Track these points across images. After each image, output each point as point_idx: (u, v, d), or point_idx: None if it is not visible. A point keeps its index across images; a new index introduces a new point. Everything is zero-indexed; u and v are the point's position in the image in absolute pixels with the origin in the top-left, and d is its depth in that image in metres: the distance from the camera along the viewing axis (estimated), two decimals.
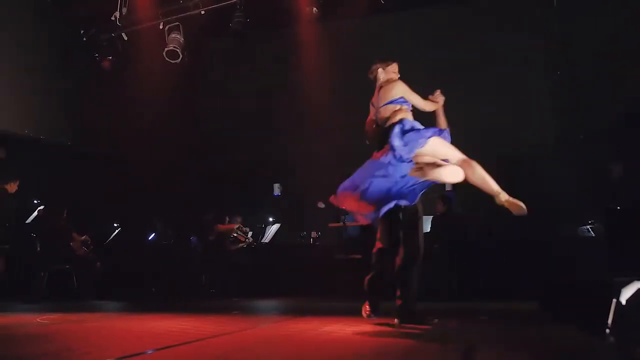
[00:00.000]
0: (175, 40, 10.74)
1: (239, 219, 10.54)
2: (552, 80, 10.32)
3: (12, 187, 9.54)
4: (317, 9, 10.30)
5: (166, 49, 10.76)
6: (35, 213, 10.32)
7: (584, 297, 5.05)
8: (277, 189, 11.56)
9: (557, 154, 9.80)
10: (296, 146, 11.15)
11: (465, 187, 10.04)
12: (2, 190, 9.45)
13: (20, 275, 9.84)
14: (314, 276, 9.79)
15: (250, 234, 10.79)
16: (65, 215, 10.04)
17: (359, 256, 10.02)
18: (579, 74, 9.85)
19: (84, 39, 11.53)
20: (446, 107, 6.06)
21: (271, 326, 5.47)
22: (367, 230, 10.25)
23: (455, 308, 7.44)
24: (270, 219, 11.13)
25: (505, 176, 9.88)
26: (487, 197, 9.75)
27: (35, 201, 10.59)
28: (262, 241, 10.80)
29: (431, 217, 9.48)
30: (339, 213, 10.12)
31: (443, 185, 10.14)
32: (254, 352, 3.94)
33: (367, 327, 5.12)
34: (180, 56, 10.79)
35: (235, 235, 10.35)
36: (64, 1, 11.49)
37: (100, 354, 3.62)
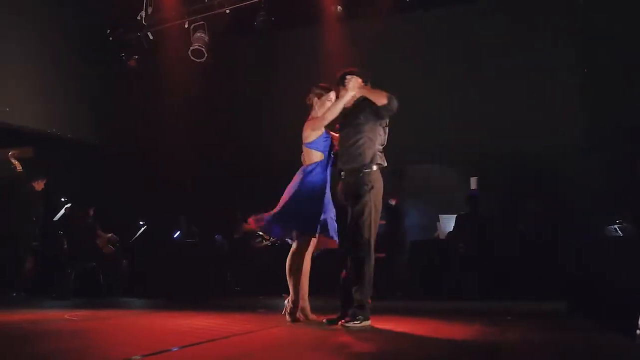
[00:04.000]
0: (200, 39, 10.78)
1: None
2: (580, 76, 10.20)
3: (39, 185, 9.66)
4: (341, 7, 10.28)
5: (191, 48, 10.80)
6: (63, 211, 10.42)
7: (614, 298, 5.00)
8: None
9: (585, 152, 9.69)
10: None
11: (490, 187, 10.00)
12: (29, 189, 9.56)
13: (49, 272, 9.93)
14: (338, 274, 9.75)
15: None
16: (91, 213, 10.13)
17: (382, 255, 9.99)
18: (608, 71, 9.72)
19: (111, 38, 11.61)
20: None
21: (296, 325, 5.47)
22: (391, 229, 10.24)
23: (479, 308, 7.39)
24: None
25: (532, 174, 9.89)
26: (513, 196, 9.69)
27: (62, 199, 10.69)
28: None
29: (455, 216, 9.42)
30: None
31: (468, 185, 10.15)
32: (280, 351, 3.94)
33: (392, 325, 5.10)
34: (205, 55, 10.83)
35: (261, 233, 10.37)
36: (90, 1, 11.60)
37: (126, 351, 3.64)
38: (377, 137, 5.14)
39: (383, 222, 10.40)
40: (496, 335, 4.58)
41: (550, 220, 9.19)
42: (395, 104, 5.03)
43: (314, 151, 5.40)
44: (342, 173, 5.20)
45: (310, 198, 5.27)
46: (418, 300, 8.41)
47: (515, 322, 5.60)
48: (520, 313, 6.47)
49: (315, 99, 5.61)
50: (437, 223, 9.85)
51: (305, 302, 5.48)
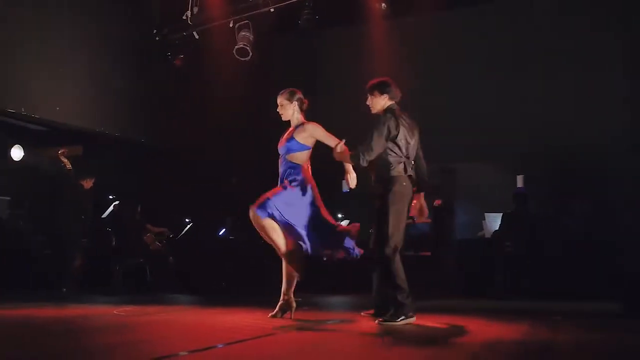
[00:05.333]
0: (245, 38, 10.84)
1: None
2: (627, 72, 9.98)
3: (88, 184, 9.83)
4: (386, 4, 10.22)
5: (236, 47, 10.86)
6: (111, 208, 10.59)
7: None
8: (345, 186, 11.53)
9: (633, 149, 9.48)
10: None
11: (537, 185, 9.85)
12: (79, 187, 9.74)
13: (98, 268, 10.11)
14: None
15: None
16: (139, 210, 10.29)
17: (428, 253, 9.93)
18: None
19: (157, 38, 11.76)
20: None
21: (342, 322, 5.48)
22: (437, 228, 10.17)
23: (527, 307, 7.29)
24: (339, 215, 11.12)
25: (580, 171, 9.71)
26: (560, 194, 9.52)
27: (110, 197, 10.88)
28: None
29: (501, 214, 9.30)
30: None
31: (515, 182, 10.02)
32: (327, 347, 3.95)
33: (438, 324, 5.07)
34: (250, 54, 10.89)
35: None
36: (137, 1, 11.78)
37: (172, 347, 3.69)
38: (394, 149, 5.38)
39: (428, 220, 10.35)
40: (546, 335, 4.51)
41: (599, 218, 9.02)
42: (362, 159, 5.28)
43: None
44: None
45: None
46: (464, 299, 8.34)
47: (566, 323, 5.51)
48: (570, 313, 6.36)
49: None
50: (483, 221, 9.75)
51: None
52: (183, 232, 11.11)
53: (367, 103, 5.69)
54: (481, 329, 4.86)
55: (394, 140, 5.35)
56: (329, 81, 11.64)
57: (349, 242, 5.39)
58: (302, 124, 5.62)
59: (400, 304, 5.09)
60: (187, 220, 11.34)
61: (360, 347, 3.95)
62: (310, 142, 5.58)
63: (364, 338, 4.38)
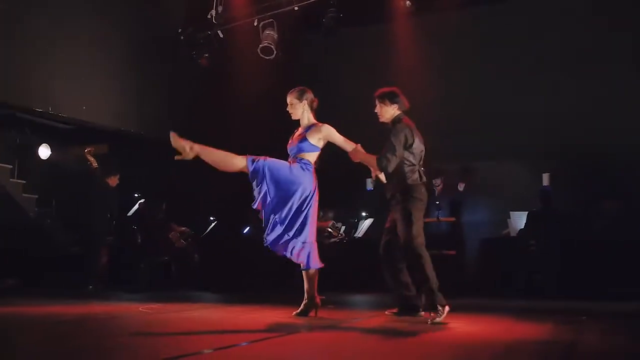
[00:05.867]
0: (270, 36, 10.86)
1: (330, 214, 10.57)
2: None
3: (113, 181, 9.92)
4: (410, 2, 10.18)
5: (260, 46, 10.89)
6: (137, 206, 10.67)
7: None
8: (369, 184, 11.52)
9: None
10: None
11: (563, 183, 9.76)
12: (105, 185, 9.83)
13: (123, 266, 10.21)
14: (408, 271, 9.69)
15: (343, 229, 10.82)
16: (164, 208, 10.35)
17: (453, 252, 9.88)
18: None
19: (182, 37, 11.82)
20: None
21: (367, 321, 5.48)
22: (461, 227, 10.13)
23: (552, 307, 7.22)
24: (363, 214, 11.11)
25: (606, 170, 9.61)
26: (586, 193, 9.42)
27: (136, 195, 10.96)
28: (355, 236, 10.79)
29: (526, 212, 9.22)
30: (433, 208, 10.02)
31: (540, 181, 9.93)
32: (351, 346, 3.95)
33: (462, 323, 5.05)
34: (275, 52, 10.91)
35: (330, 230, 10.40)
36: (162, 1, 11.85)
37: (197, 344, 3.71)
38: (410, 158, 5.51)
39: (452, 219, 10.32)
40: (571, 336, 4.47)
41: (628, 218, 8.92)
42: (388, 165, 5.41)
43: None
44: None
45: None
46: (488, 298, 8.28)
47: (592, 323, 5.45)
48: (596, 313, 6.29)
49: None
50: (508, 220, 9.69)
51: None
52: (207, 230, 11.16)
53: (376, 110, 5.76)
54: (505, 329, 4.83)
55: (409, 149, 5.48)
56: (353, 80, 11.60)
57: (309, 258, 5.41)
58: (315, 124, 5.60)
59: (433, 295, 5.22)
60: (211, 218, 11.38)
61: (384, 346, 3.95)
62: (321, 144, 5.58)
63: (388, 337, 4.37)
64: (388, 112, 5.68)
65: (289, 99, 5.77)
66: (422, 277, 5.32)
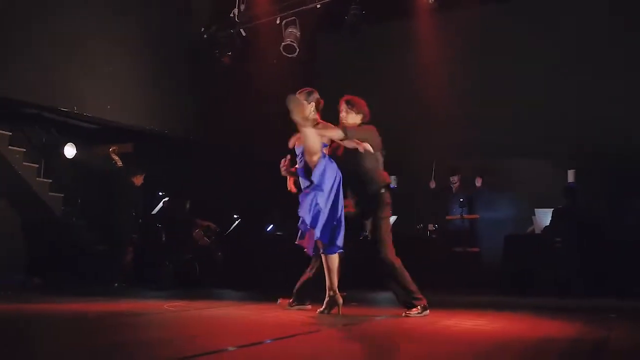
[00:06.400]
0: (292, 34, 10.86)
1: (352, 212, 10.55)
2: None
3: (138, 180, 9.99)
4: None
5: (283, 44, 10.90)
6: (161, 204, 10.73)
7: None
8: (393, 181, 11.49)
9: None
10: (412, 138, 11.02)
11: (588, 180, 9.65)
12: (129, 183, 9.91)
13: (148, 264, 10.27)
14: (431, 269, 9.68)
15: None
16: (188, 206, 10.40)
17: (477, 249, 9.83)
18: None
19: (205, 36, 11.87)
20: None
21: (389, 319, 5.46)
22: (480, 223, 10.09)
23: (579, 305, 7.15)
24: None
25: (633, 167, 9.49)
26: (612, 190, 9.32)
27: (160, 193, 11.02)
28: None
29: (551, 210, 9.14)
30: (457, 205, 9.98)
31: (566, 177, 9.83)
32: (373, 343, 3.94)
33: (487, 321, 5.02)
34: (297, 50, 10.91)
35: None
36: (186, 0, 11.92)
37: (221, 342, 3.72)
38: (379, 163, 5.91)
39: (476, 216, 10.27)
40: (600, 334, 4.42)
41: None
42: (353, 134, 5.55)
43: None
44: None
45: None
46: (513, 296, 8.22)
47: (621, 320, 5.39)
48: (625, 311, 6.21)
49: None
50: (533, 217, 9.61)
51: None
52: (231, 227, 11.20)
53: (342, 113, 5.86)
54: (531, 327, 4.79)
55: (380, 152, 5.75)
56: (376, 77, 11.57)
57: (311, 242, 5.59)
58: (318, 124, 5.63)
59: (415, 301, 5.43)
60: (235, 216, 11.42)
61: (405, 344, 3.93)
62: (325, 140, 5.63)
63: (410, 335, 4.35)
64: (352, 119, 5.82)
65: None
66: (398, 286, 5.59)
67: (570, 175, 9.85)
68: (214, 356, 3.19)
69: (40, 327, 4.59)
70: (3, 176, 10.07)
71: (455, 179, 10.51)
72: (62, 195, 10.87)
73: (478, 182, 10.32)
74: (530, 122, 10.35)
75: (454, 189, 10.54)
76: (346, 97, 5.89)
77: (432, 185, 10.75)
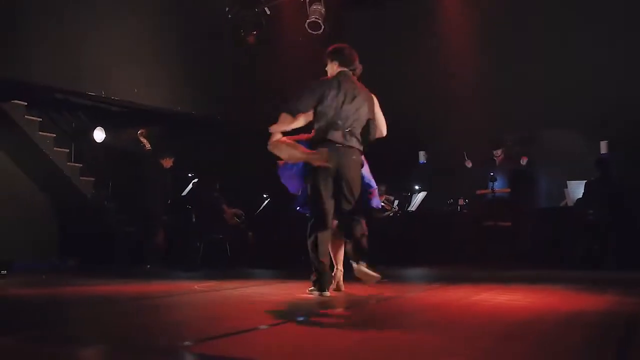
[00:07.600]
0: (317, 11, 10.79)
1: (382, 188, 10.51)
2: None
3: (167, 162, 10.04)
4: None
5: (308, 21, 10.83)
6: (190, 186, 10.79)
7: None
8: (422, 157, 11.40)
9: None
10: (442, 112, 10.91)
11: (622, 151, 9.48)
12: (159, 166, 9.96)
13: (179, 245, 10.35)
14: (462, 244, 9.62)
15: (396, 202, 10.75)
16: (217, 187, 10.44)
17: (508, 224, 9.71)
18: None
19: (229, 16, 11.83)
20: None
21: (420, 295, 5.43)
22: (515, 198, 9.95)
23: (611, 278, 7.04)
24: (417, 187, 11.00)
25: None
26: None
27: (189, 175, 11.08)
28: (409, 209, 10.71)
29: (584, 182, 8.98)
30: (488, 180, 9.86)
31: (598, 149, 9.67)
32: (406, 320, 3.91)
33: (519, 295, 4.96)
34: (322, 27, 10.83)
35: (383, 204, 10.35)
36: None
37: (252, 321, 3.72)
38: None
39: (508, 190, 10.14)
40: (631, 307, 4.34)
41: None
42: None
43: None
44: None
45: None
46: (545, 269, 8.13)
47: None
48: None
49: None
50: (565, 190, 9.47)
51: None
52: (261, 207, 11.22)
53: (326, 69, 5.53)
54: (563, 300, 4.72)
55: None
56: (404, 52, 11.45)
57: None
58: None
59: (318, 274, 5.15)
60: (264, 195, 11.43)
61: (438, 318, 3.89)
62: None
63: (442, 309, 4.31)
64: (330, 69, 5.51)
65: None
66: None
67: (603, 146, 9.67)
68: (246, 334, 3.19)
69: (72, 308, 4.64)
70: (35, 162, 10.21)
71: (498, 152, 10.36)
72: (93, 179, 10.98)
73: (523, 161, 10.15)
74: (563, 92, 10.16)
75: (497, 163, 10.39)
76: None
77: (469, 164, 10.61)
